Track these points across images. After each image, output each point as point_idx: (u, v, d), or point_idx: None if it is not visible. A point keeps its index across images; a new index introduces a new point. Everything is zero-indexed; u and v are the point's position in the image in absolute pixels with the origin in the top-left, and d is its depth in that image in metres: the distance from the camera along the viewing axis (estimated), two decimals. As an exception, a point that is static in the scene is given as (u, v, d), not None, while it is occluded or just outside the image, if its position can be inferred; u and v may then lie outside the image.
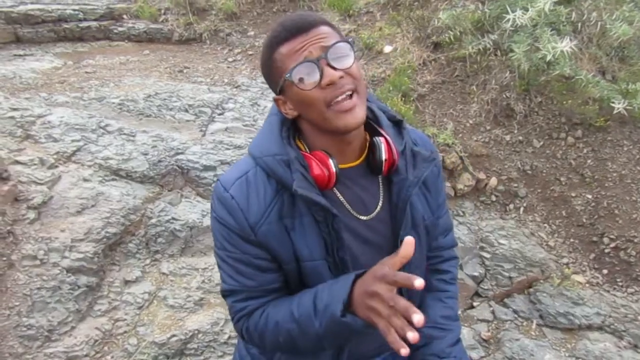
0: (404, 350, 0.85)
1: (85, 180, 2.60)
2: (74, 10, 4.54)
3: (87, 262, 2.24)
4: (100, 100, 3.29)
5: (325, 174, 1.06)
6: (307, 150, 1.13)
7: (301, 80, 1.00)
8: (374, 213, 1.17)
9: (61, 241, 2.27)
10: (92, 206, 2.48)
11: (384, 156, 1.11)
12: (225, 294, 1.17)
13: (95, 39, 4.58)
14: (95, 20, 4.60)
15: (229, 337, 2.13)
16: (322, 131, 1.08)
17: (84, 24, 4.54)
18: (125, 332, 2.11)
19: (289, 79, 1.00)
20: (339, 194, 1.14)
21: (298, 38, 1.00)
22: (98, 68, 3.96)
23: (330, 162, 1.07)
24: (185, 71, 3.93)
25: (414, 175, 1.16)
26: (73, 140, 2.81)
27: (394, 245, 1.21)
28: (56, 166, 2.64)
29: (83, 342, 2.02)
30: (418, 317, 0.82)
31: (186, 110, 3.29)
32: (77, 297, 2.13)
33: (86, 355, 1.99)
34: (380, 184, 1.19)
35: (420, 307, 1.34)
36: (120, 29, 4.62)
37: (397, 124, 1.22)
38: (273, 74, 1.06)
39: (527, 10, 2.75)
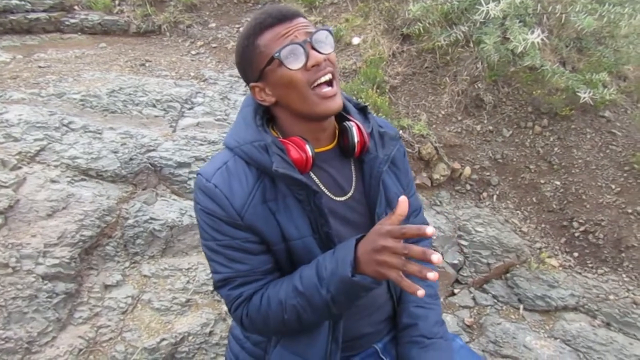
0: (421, 292, 0.89)
1: (53, 181, 2.45)
2: (21, 0, 4.27)
3: (63, 268, 2.11)
4: (60, 96, 3.10)
5: (303, 157, 1.12)
6: (281, 137, 1.17)
7: (288, 60, 1.04)
8: (349, 194, 1.24)
9: (33, 247, 2.13)
10: (64, 208, 2.34)
11: (356, 139, 1.18)
12: (219, 284, 1.18)
13: (45, 32, 4.33)
14: (44, 11, 4.33)
15: (221, 338, 2.07)
16: (299, 117, 1.14)
17: (32, 16, 4.27)
18: (110, 338, 2.01)
19: (278, 58, 1.04)
20: (315, 177, 1.20)
21: (283, 24, 1.07)
22: (52, 62, 3.74)
23: (307, 146, 1.13)
24: (147, 65, 3.77)
25: (384, 153, 1.25)
26: (36, 140, 2.63)
27: (372, 223, 1.26)
28: (19, 167, 2.47)
29: (67, 352, 1.90)
30: (437, 257, 0.86)
31: (154, 106, 3.17)
32: (55, 305, 2.01)
33: (71, 366, 1.88)
34: (352, 166, 1.26)
35: (401, 290, 1.38)
36: (72, 20, 4.38)
37: (362, 110, 1.31)
38: (253, 59, 1.09)
39: (498, 1, 2.82)
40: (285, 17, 1.07)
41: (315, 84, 1.06)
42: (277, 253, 1.17)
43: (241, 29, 1.15)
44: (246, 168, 1.13)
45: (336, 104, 1.09)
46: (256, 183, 1.12)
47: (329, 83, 1.08)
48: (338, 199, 1.21)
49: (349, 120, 1.22)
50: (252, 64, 1.10)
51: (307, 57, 1.05)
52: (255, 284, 1.17)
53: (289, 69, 1.05)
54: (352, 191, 1.23)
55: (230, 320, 2.14)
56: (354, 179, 1.24)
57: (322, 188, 1.20)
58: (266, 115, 1.19)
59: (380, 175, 1.23)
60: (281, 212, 1.13)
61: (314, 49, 1.05)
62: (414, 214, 1.46)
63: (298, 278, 1.11)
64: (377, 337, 1.39)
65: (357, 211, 1.24)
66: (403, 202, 0.96)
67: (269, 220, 1.13)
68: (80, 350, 1.94)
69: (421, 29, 3.29)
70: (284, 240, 1.15)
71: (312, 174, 1.18)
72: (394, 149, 1.26)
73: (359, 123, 1.21)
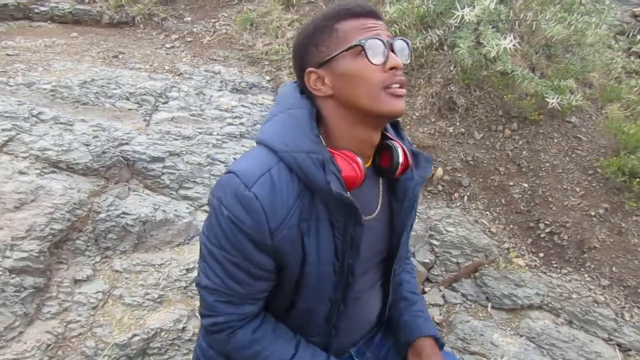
0: None
1: (21, 173, 2.39)
2: (-12, -14, 4.13)
3: (32, 262, 2.06)
4: (29, 85, 3.02)
5: (357, 174, 1.04)
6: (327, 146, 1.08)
7: (371, 52, 0.99)
8: (374, 214, 1.18)
9: (0, 240, 2.08)
10: (32, 201, 2.29)
11: (401, 160, 1.12)
12: (206, 289, 1.11)
13: (13, 19, 4.20)
14: (12, -3, 4.21)
15: (194, 334, 2.06)
16: (355, 119, 1.05)
17: (0, 2, 4.14)
18: (80, 334, 1.98)
19: (362, 45, 0.98)
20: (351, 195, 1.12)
21: (370, 19, 1.02)
22: (21, 50, 3.63)
23: (360, 161, 1.05)
24: (120, 57, 3.71)
25: (418, 174, 1.19)
26: (3, 130, 2.56)
27: (389, 242, 1.25)
28: (-14, 158, 2.40)
29: (34, 348, 1.86)
30: None
31: (127, 99, 3.12)
32: (23, 299, 1.96)
33: (39, 362, 1.85)
34: (381, 185, 1.20)
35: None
36: (42, 8, 4.27)
37: (394, 126, 1.26)
38: (325, 43, 1.03)
39: (472, 7, 2.88)
40: (374, 12, 1.04)
41: (390, 87, 1.01)
42: (289, 277, 1.10)
43: (315, 15, 1.10)
44: (289, 179, 1.01)
45: (402, 106, 1.03)
46: (297, 199, 1.02)
47: (401, 85, 1.03)
48: (365, 217, 1.14)
49: (389, 138, 1.16)
50: (321, 47, 1.03)
51: (387, 57, 1.00)
52: (243, 309, 1.11)
53: (370, 61, 0.99)
54: (377, 211, 1.18)
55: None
56: (380, 198, 1.19)
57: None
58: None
59: (415, 197, 1.19)
60: (310, 235, 1.05)
61: (394, 52, 1.02)
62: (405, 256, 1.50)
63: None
64: (360, 339, 1.41)
65: (376, 231, 1.20)
66: None
67: (296, 243, 1.04)
68: (49, 345, 1.90)
69: (397, 31, 3.33)
70: (302, 265, 1.08)
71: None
72: (428, 172, 1.21)
73: (401, 144, 1.15)
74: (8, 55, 3.50)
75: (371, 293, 1.32)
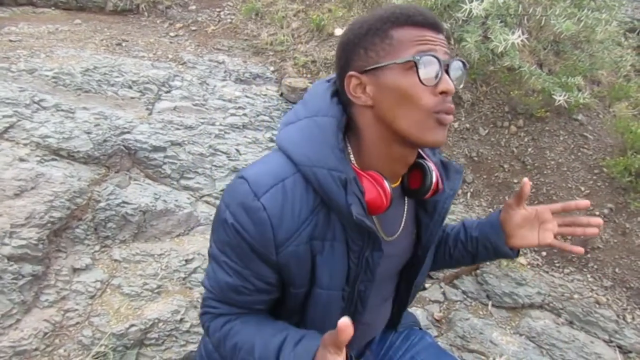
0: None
1: (21, 160, 2.37)
2: (-8, -30, 4.10)
3: (30, 250, 2.05)
4: (32, 72, 3.00)
5: (383, 201, 0.95)
6: (354, 161, 1.00)
7: (424, 71, 0.88)
8: (396, 234, 1.11)
9: (-1, 227, 2.07)
10: (32, 188, 2.27)
11: (433, 182, 1.04)
12: (207, 289, 1.09)
13: (16, 4, 4.18)
14: (16, -18, 4.18)
15: (191, 326, 2.05)
16: (393, 137, 0.95)
17: (4, -13, 4.12)
18: (77, 323, 1.97)
19: (416, 62, 0.87)
20: (374, 217, 1.05)
21: (430, 31, 0.91)
22: (24, 37, 3.61)
23: (387, 185, 0.96)
24: (124, 44, 3.68)
25: (449, 187, 1.11)
26: (4, 116, 2.54)
27: (411, 256, 1.20)
28: (-14, 144, 2.39)
29: (31, 336, 1.85)
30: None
31: (130, 87, 3.09)
32: (21, 287, 1.95)
33: (36, 350, 1.83)
34: (406, 205, 1.13)
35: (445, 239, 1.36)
36: (46, -6, 4.24)
37: None
38: (374, 48, 0.92)
39: (481, 0, 2.84)
40: (437, 25, 0.92)
41: (438, 114, 0.90)
42: (294, 296, 1.04)
43: (370, 13, 0.97)
44: (304, 193, 0.94)
45: (445, 137, 0.94)
46: (310, 216, 0.95)
47: (449, 113, 0.93)
48: (388, 238, 1.09)
49: (423, 157, 1.08)
50: (370, 52, 0.92)
51: (440, 79, 0.89)
52: (234, 310, 1.07)
53: (422, 82, 0.88)
54: (399, 232, 1.11)
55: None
56: (404, 218, 1.12)
57: (378, 227, 1.06)
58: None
59: (446, 211, 1.12)
60: (323, 255, 0.98)
61: (448, 74, 0.91)
62: None
63: (261, 342, 1.00)
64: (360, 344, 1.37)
65: (399, 247, 1.14)
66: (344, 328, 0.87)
67: (305, 261, 0.98)
68: (46, 334, 1.90)
69: (404, 23, 3.28)
70: (310, 285, 1.02)
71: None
72: (458, 183, 1.13)
73: (432, 162, 1.08)
74: (11, 41, 3.48)
75: (381, 308, 1.28)
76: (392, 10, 0.92)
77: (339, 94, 1.00)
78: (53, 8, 4.26)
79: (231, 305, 1.07)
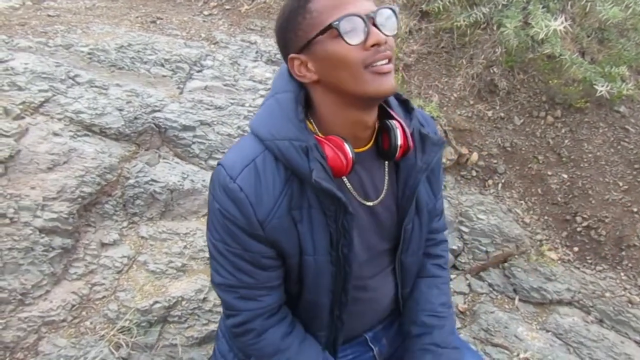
0: None
1: (55, 134, 2.42)
2: (33, -55, 4.15)
3: (61, 223, 2.10)
4: (68, 47, 3.05)
5: (343, 162, 0.99)
6: (318, 132, 1.04)
7: (347, 33, 0.91)
8: (380, 198, 1.13)
9: (32, 199, 2.12)
10: (64, 163, 2.32)
11: (399, 141, 1.06)
12: (220, 287, 1.11)
13: (56, -21, 4.23)
14: (56, -42, 4.23)
15: (214, 305, 2.07)
16: (344, 102, 0.99)
17: (44, -38, 4.17)
18: (104, 297, 2.01)
19: (336, 27, 0.90)
20: (346, 180, 1.09)
21: None
22: (62, 12, 3.66)
23: (347, 148, 1.00)
24: (158, 22, 3.69)
25: (423, 160, 1.12)
26: (40, 90, 2.59)
27: (397, 230, 1.19)
28: (22, 117, 2.44)
29: (59, 307, 1.91)
30: None
31: (162, 65, 3.11)
32: (51, 259, 2.00)
33: (63, 320, 1.89)
34: (386, 168, 1.14)
35: (412, 293, 1.34)
36: (84, -30, 4.28)
37: (404, 104, 1.18)
38: (301, 26, 0.96)
39: (522, -15, 2.73)
40: None
41: (372, 65, 0.94)
42: (290, 266, 1.09)
43: None
44: (274, 167, 1.00)
45: (390, 84, 0.96)
46: (284, 189, 1.01)
47: (388, 61, 0.96)
48: (367, 203, 1.12)
49: (392, 118, 1.10)
50: (298, 32, 0.97)
51: (368, 34, 0.92)
52: (261, 302, 1.10)
53: (347, 42, 0.91)
54: (382, 195, 1.14)
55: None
56: (386, 181, 1.14)
57: (353, 192, 1.10)
58: (305, 105, 1.05)
59: (416, 185, 1.13)
60: (303, 223, 1.03)
61: (375, 26, 0.93)
62: (438, 217, 1.38)
63: None
64: (374, 325, 1.37)
65: (383, 217, 1.16)
66: None
67: (291, 231, 1.03)
68: (73, 306, 1.95)
69: (441, 7, 3.19)
70: (300, 254, 1.06)
71: (344, 177, 1.08)
72: (434, 157, 1.14)
73: (402, 123, 1.09)
74: (49, 16, 3.54)
75: (380, 278, 1.27)
76: None
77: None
78: (91, -16, 4.31)
79: (251, 294, 1.09)
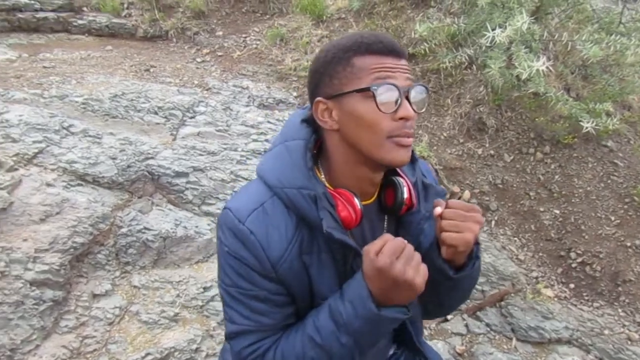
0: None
1: (48, 185, 2.43)
2: (30, -1, 4.29)
3: (52, 275, 2.09)
4: (62, 98, 3.10)
5: (352, 216, 1.00)
6: (325, 181, 1.05)
7: (382, 99, 0.93)
8: None
9: (24, 251, 2.11)
10: (57, 213, 2.33)
11: (404, 198, 1.07)
12: (233, 335, 1.07)
13: (52, 31, 4.35)
14: (53, 11, 4.37)
15: (207, 356, 2.04)
16: (358, 159, 1.01)
17: (41, 15, 4.30)
18: (95, 350, 1.99)
19: (373, 91, 0.92)
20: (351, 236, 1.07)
21: (391, 58, 0.95)
22: (57, 63, 3.75)
23: (357, 202, 1.01)
24: (152, 70, 3.77)
25: (425, 208, 1.13)
26: (34, 142, 2.62)
27: None
28: (16, 169, 2.46)
29: (49, 362, 1.88)
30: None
31: (155, 113, 3.16)
32: (42, 312, 1.98)
33: (53, 377, 1.86)
34: (386, 221, 1.15)
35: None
36: (80, 21, 4.41)
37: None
38: (339, 76, 0.97)
39: (504, 27, 2.81)
40: (396, 51, 0.96)
41: (395, 137, 0.96)
42: (301, 309, 1.08)
43: (334, 40, 1.03)
44: (285, 213, 1.01)
45: (407, 156, 0.98)
46: (295, 233, 1.01)
47: (408, 136, 0.98)
48: None
49: (397, 173, 1.11)
50: (334, 79, 0.98)
51: (400, 106, 0.94)
52: (273, 337, 1.08)
53: (379, 109, 0.93)
54: None
55: (217, 339, 2.11)
56: (384, 232, 1.14)
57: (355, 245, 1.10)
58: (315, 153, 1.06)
59: (419, 233, 1.13)
60: (314, 267, 1.03)
61: (408, 100, 0.95)
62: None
63: (313, 329, 1.01)
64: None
65: None
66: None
67: (301, 275, 1.03)
68: (64, 360, 1.92)
69: (427, 49, 3.28)
70: (311, 297, 1.06)
71: None
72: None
73: (408, 180, 1.11)
74: (45, 67, 3.61)
75: None
76: (355, 38, 0.97)
77: (311, 118, 1.05)
78: (86, 35, 4.42)
79: (266, 335, 1.07)
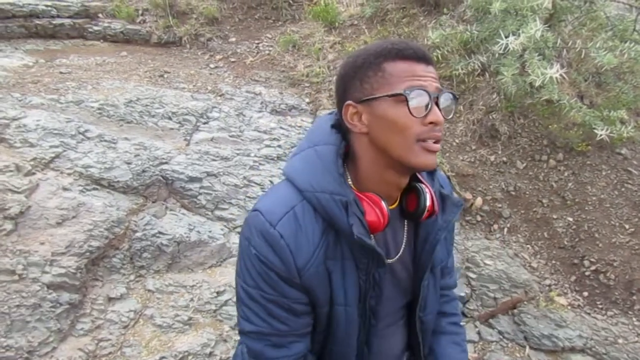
0: None
1: (65, 189, 2.47)
2: (47, 6, 4.36)
3: (69, 278, 2.12)
4: (79, 103, 3.15)
5: (380, 220, 1.01)
6: (353, 185, 1.06)
7: (413, 104, 0.95)
8: (398, 255, 1.14)
9: (41, 255, 2.15)
10: (73, 217, 2.36)
11: (427, 204, 1.08)
12: (250, 335, 1.09)
13: (68, 37, 4.41)
14: (69, 17, 4.43)
15: (220, 360, 2.06)
16: (386, 163, 1.02)
17: (57, 21, 4.36)
18: (110, 353, 2.01)
19: (406, 96, 0.94)
20: (372, 236, 1.09)
21: (422, 65, 0.98)
22: (73, 68, 3.80)
23: (384, 206, 1.02)
24: (166, 76, 3.82)
25: (443, 219, 1.15)
26: (51, 146, 2.67)
27: (411, 286, 1.21)
28: (33, 173, 2.50)
29: (66, 365, 1.90)
30: None
31: (169, 118, 3.19)
32: (58, 315, 2.01)
33: (69, 379, 1.88)
34: (406, 226, 1.16)
35: (433, 349, 1.33)
36: (95, 28, 4.47)
37: None
38: (370, 80, 0.99)
39: (517, 35, 2.81)
40: (426, 58, 0.99)
41: (424, 141, 0.97)
42: (320, 315, 1.09)
43: (362, 47, 1.07)
44: (313, 218, 1.02)
45: (434, 161, 1.00)
46: (322, 238, 1.02)
47: (437, 141, 1.00)
48: (388, 260, 1.12)
49: (419, 180, 1.13)
50: (364, 84, 1.00)
51: (430, 111, 0.96)
52: (291, 349, 1.09)
53: (411, 113, 0.95)
54: (400, 252, 1.15)
55: (231, 343, 2.13)
56: (404, 239, 1.16)
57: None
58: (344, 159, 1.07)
59: (436, 242, 1.15)
60: (337, 274, 1.05)
61: (437, 106, 0.97)
62: (450, 274, 1.38)
63: None
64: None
65: (400, 274, 1.17)
66: None
67: (324, 280, 1.04)
68: (80, 363, 1.94)
69: (439, 56, 3.28)
70: (330, 303, 1.07)
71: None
72: (454, 217, 1.17)
73: (429, 187, 1.13)
74: (61, 73, 3.67)
75: (393, 329, 1.27)
76: (385, 45, 0.99)
77: (338, 124, 1.08)
78: (102, 41, 4.48)
79: (282, 341, 1.08)
